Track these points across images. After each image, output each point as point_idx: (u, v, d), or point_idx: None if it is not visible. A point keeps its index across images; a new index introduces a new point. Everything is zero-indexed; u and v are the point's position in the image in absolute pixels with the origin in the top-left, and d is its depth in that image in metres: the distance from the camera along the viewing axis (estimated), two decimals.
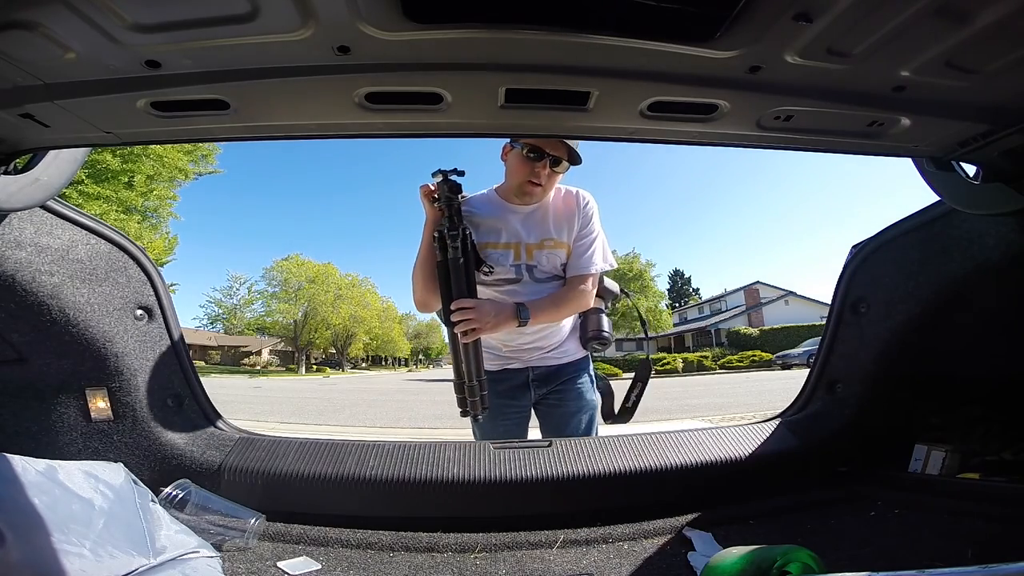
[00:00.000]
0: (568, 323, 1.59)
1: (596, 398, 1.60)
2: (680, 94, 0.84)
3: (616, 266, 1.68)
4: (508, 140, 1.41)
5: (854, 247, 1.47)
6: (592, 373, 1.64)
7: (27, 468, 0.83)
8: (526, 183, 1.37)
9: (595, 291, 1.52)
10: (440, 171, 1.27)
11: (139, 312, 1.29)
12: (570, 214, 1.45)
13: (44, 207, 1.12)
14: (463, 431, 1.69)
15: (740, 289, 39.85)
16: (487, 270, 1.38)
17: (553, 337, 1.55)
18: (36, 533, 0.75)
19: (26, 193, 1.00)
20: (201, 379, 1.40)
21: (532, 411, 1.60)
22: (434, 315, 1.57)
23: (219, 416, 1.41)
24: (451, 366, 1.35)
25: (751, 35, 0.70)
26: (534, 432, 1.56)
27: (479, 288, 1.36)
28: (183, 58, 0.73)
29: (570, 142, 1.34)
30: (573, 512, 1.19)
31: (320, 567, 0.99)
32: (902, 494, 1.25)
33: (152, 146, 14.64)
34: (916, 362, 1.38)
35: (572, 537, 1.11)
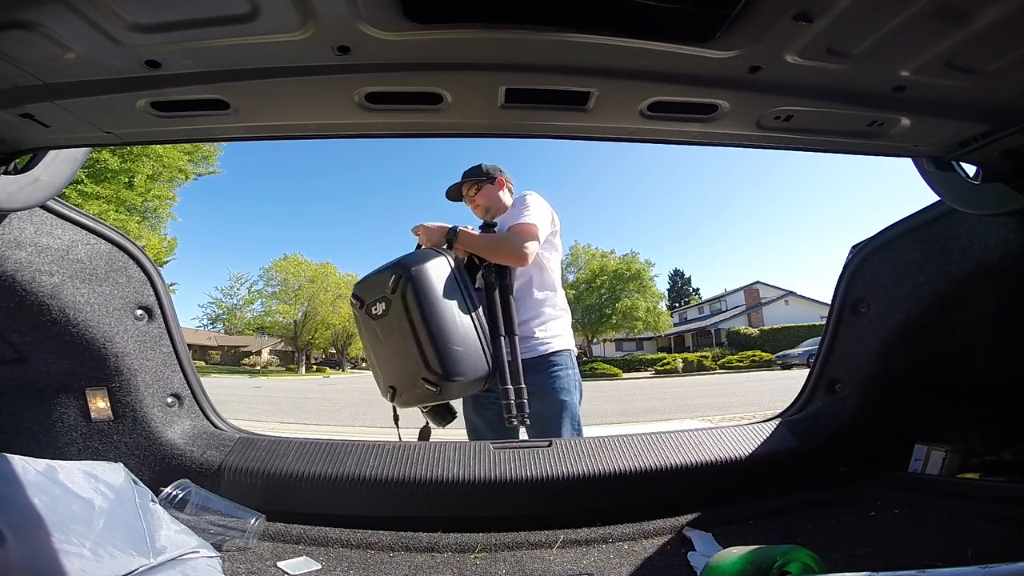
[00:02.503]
0: (533, 316, 1.57)
1: (571, 399, 1.54)
2: (680, 94, 0.84)
3: (534, 222, 1.60)
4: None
5: (854, 247, 1.46)
6: (571, 372, 1.57)
7: (27, 468, 0.83)
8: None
9: (529, 245, 1.52)
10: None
11: (139, 312, 1.29)
12: (512, 205, 1.74)
13: (44, 207, 1.12)
14: (461, 431, 1.69)
15: (740, 289, 39.78)
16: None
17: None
18: (36, 533, 0.75)
19: (26, 193, 1.00)
20: (201, 379, 1.41)
21: None
22: None
23: (219, 416, 1.41)
24: None
25: (751, 35, 0.70)
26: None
27: None
28: (183, 58, 0.73)
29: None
30: (573, 512, 1.19)
31: (320, 567, 0.99)
32: (902, 494, 1.25)
33: (152, 146, 14.64)
34: (916, 362, 1.38)
35: (572, 537, 1.11)
